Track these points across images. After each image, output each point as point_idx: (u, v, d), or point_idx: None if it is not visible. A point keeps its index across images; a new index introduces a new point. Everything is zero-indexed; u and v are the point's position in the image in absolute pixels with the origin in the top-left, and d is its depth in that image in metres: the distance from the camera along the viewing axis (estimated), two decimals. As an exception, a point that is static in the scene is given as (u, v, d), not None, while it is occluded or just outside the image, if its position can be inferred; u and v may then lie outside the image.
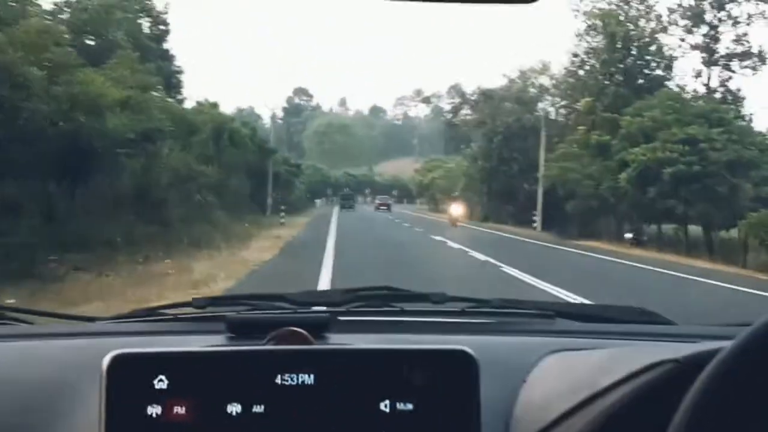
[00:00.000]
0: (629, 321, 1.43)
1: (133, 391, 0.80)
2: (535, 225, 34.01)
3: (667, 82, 32.60)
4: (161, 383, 0.80)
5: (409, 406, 0.81)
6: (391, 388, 0.82)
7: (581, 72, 35.10)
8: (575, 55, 34.93)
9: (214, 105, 31.68)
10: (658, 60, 33.35)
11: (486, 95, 43.79)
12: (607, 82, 32.80)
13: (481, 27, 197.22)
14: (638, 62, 33.14)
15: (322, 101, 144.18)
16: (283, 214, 33.20)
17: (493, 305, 1.45)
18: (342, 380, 0.82)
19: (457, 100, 55.15)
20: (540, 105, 39.89)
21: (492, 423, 0.89)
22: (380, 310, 1.41)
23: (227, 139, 29.33)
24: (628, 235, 26.40)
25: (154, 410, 0.79)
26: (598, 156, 28.50)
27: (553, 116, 38.35)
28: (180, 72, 28.40)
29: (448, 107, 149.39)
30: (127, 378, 0.80)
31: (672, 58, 33.49)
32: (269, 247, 18.45)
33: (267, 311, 1.30)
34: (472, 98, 47.30)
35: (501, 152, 38.38)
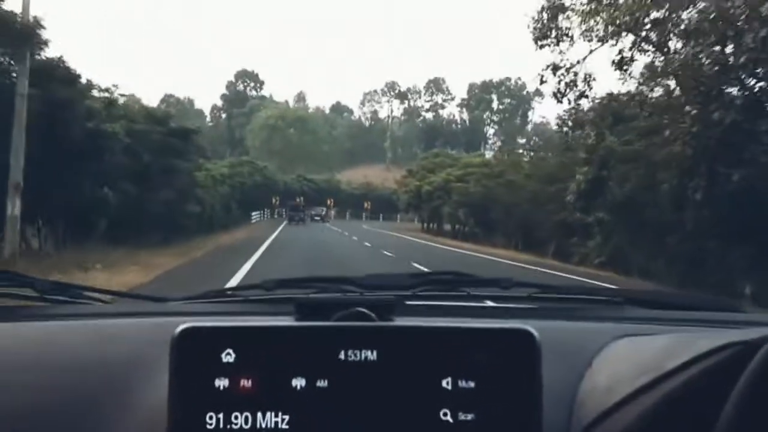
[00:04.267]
0: (699, 308, 1.42)
1: (201, 363, 0.81)
2: None
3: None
4: (228, 357, 0.82)
5: (471, 384, 0.82)
6: (454, 365, 0.82)
7: None
8: None
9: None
10: None
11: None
12: None
13: (464, 11, 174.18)
14: None
15: (274, 93, 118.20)
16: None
17: (561, 291, 1.51)
18: (404, 357, 0.83)
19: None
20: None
21: (556, 406, 0.90)
22: (447, 294, 1.43)
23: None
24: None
25: (221, 383, 0.81)
26: None
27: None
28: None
29: (427, 105, 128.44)
30: (196, 351, 0.82)
31: None
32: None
33: (334, 293, 1.30)
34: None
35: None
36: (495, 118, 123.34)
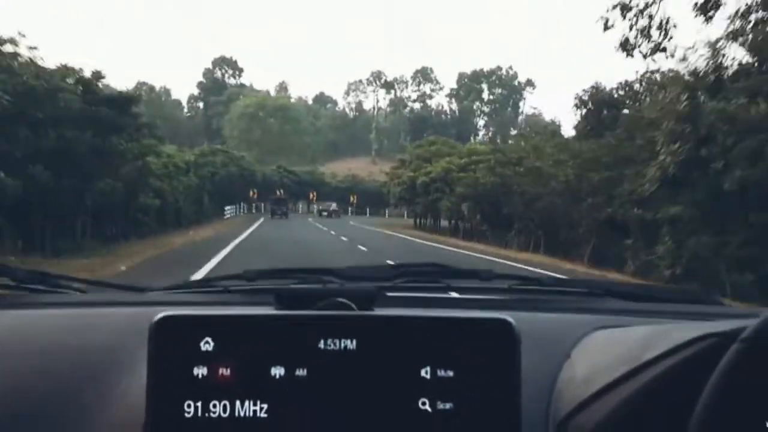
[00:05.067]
0: (678, 300, 1.43)
1: (179, 352, 0.82)
2: None
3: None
4: (207, 345, 0.82)
5: (450, 374, 0.82)
6: (432, 355, 0.83)
7: None
8: None
9: None
10: None
11: None
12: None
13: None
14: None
15: (254, 83, 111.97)
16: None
17: (541, 283, 1.48)
18: (384, 346, 0.83)
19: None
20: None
21: (535, 396, 0.91)
22: (427, 285, 1.42)
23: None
24: None
25: (200, 371, 0.81)
26: None
27: None
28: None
29: (414, 96, 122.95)
30: (174, 339, 0.82)
31: None
32: None
33: (315, 284, 1.30)
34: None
35: None
36: (485, 109, 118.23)
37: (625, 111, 24.27)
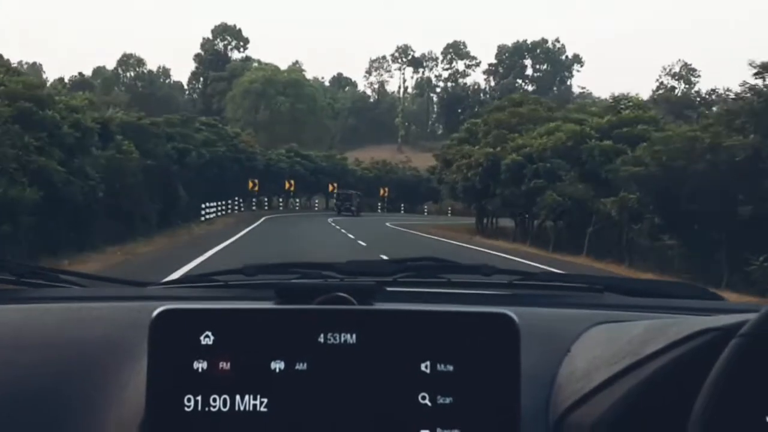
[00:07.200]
0: (678, 296, 1.44)
1: (179, 346, 0.83)
2: None
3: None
4: (207, 339, 0.82)
5: (450, 368, 0.83)
6: (432, 349, 0.84)
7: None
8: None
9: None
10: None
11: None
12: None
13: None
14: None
15: (261, 58, 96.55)
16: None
17: (541, 278, 1.50)
18: (384, 341, 0.84)
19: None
20: None
21: (534, 391, 0.91)
22: (428, 281, 1.43)
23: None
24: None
25: (200, 365, 0.82)
26: None
27: None
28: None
29: (445, 74, 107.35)
30: (174, 333, 0.83)
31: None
32: None
33: (315, 279, 1.32)
34: None
35: None
36: (529, 88, 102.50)
37: None
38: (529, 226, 26.99)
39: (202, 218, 28.97)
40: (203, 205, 29.82)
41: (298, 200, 54.26)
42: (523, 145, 25.18)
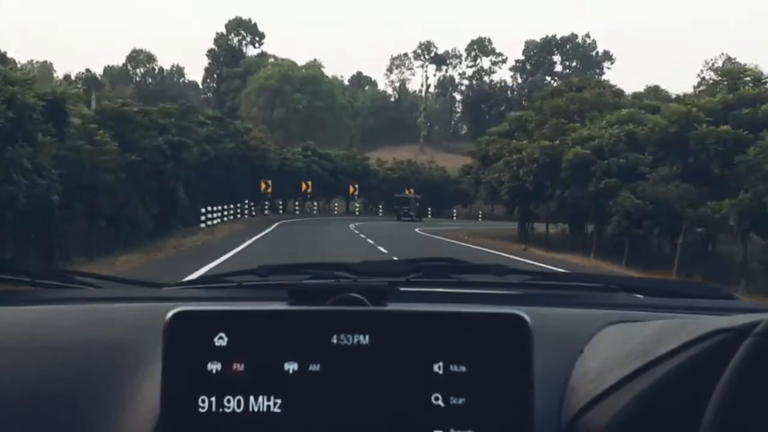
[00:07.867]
0: (693, 295, 1.43)
1: (193, 347, 0.83)
2: None
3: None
4: (221, 340, 0.83)
5: (463, 369, 0.83)
6: (445, 350, 0.84)
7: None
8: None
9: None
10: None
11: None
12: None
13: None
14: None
15: (277, 54, 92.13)
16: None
17: (554, 278, 1.49)
18: (397, 341, 0.84)
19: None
20: None
21: (548, 391, 0.91)
22: (440, 281, 1.43)
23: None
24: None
25: (214, 366, 0.83)
26: None
27: None
28: None
29: (470, 72, 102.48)
30: (188, 335, 0.83)
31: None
32: None
33: (328, 279, 1.32)
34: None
35: None
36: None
37: None
38: (594, 234, 22.36)
39: (202, 225, 24.63)
40: (204, 210, 25.49)
41: (315, 203, 49.90)
42: (589, 137, 20.59)
